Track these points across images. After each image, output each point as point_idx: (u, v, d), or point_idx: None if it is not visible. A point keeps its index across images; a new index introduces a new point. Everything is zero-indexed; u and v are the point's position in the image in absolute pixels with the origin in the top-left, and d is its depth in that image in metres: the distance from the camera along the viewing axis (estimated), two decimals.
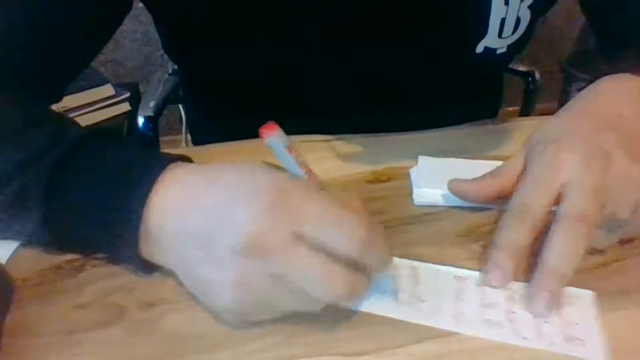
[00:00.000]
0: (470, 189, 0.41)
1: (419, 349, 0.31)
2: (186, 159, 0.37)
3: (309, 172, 0.32)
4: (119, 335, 0.32)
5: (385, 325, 0.33)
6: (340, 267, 0.29)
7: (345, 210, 0.30)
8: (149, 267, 0.35)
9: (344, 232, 0.29)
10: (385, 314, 0.33)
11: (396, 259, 0.37)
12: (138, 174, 0.34)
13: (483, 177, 0.41)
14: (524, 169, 0.39)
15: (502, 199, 0.39)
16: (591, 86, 0.45)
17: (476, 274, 0.36)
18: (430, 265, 0.37)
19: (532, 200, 0.36)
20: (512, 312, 0.33)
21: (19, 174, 0.35)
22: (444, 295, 0.35)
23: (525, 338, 0.32)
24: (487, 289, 0.35)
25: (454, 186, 0.41)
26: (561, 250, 0.33)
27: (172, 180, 0.33)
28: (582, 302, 0.34)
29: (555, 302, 0.33)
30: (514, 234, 0.35)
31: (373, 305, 0.34)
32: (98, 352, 0.31)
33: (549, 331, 0.32)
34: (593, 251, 0.34)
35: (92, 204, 0.34)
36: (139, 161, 0.35)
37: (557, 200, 0.35)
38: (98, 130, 0.37)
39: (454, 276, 0.36)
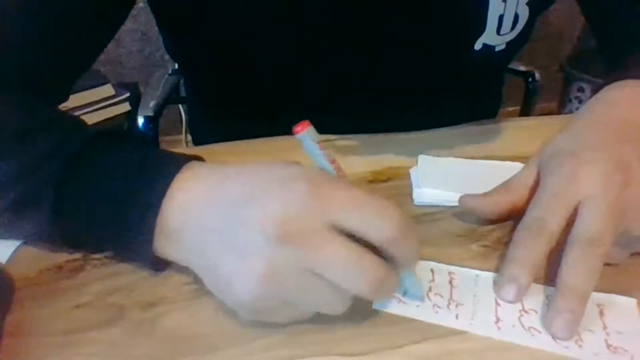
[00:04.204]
0: (482, 205, 0.40)
1: (419, 349, 0.31)
2: (199, 159, 0.36)
3: (338, 168, 0.32)
4: (119, 335, 0.32)
5: (385, 325, 0.33)
6: (372, 257, 0.29)
7: (380, 200, 0.29)
8: (159, 265, 0.35)
9: (377, 219, 0.29)
10: (422, 319, 0.33)
11: (433, 264, 0.37)
12: (154, 171, 0.34)
13: (494, 191, 0.41)
14: (537, 182, 0.39)
15: (514, 214, 0.39)
16: (601, 95, 0.44)
17: None
18: (469, 270, 0.36)
19: (550, 216, 0.35)
20: None
21: (30, 173, 0.35)
22: (482, 300, 0.34)
23: (567, 347, 0.31)
24: (527, 295, 0.34)
25: (464, 202, 0.41)
26: (578, 270, 0.33)
27: (192, 177, 0.33)
28: (625, 310, 0.33)
29: (577, 324, 0.31)
30: (530, 249, 0.35)
31: (409, 308, 0.33)
32: (98, 352, 0.31)
33: (592, 341, 0.31)
34: (604, 265, 0.33)
35: (107, 201, 0.34)
36: (154, 159, 0.35)
37: (574, 215, 0.35)
38: (107, 131, 0.37)
39: (494, 281, 0.35)
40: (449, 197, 0.43)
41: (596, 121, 0.42)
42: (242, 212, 0.30)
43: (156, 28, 0.58)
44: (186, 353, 0.31)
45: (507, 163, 0.48)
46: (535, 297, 0.34)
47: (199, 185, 0.33)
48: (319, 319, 0.33)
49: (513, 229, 0.40)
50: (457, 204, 0.43)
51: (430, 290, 0.35)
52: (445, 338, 0.32)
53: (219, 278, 0.31)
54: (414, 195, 0.44)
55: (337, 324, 0.32)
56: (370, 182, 0.47)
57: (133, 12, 0.51)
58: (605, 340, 0.31)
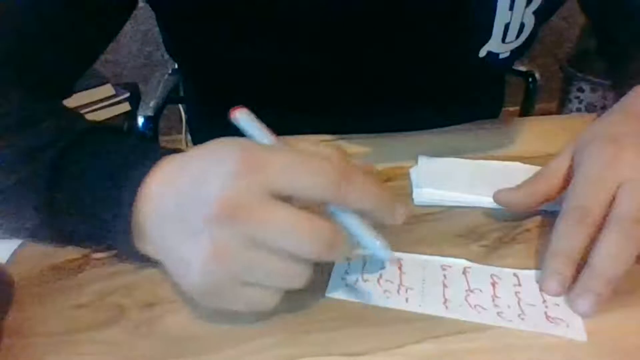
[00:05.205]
0: (518, 199, 0.40)
1: (418, 349, 0.31)
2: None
3: (280, 140, 0.32)
4: (119, 335, 0.32)
5: (385, 325, 0.33)
6: (317, 218, 0.28)
7: (315, 156, 0.29)
8: (145, 258, 0.35)
9: (315, 177, 0.28)
10: (373, 304, 0.34)
11: None
12: (134, 167, 0.34)
13: (529, 182, 0.41)
14: (571, 169, 0.39)
15: (549, 201, 0.40)
16: (633, 92, 0.44)
17: (461, 261, 0.37)
18: (417, 255, 0.38)
19: (591, 202, 0.35)
20: (497, 296, 0.34)
21: (22, 165, 0.35)
22: (431, 283, 0.35)
23: (510, 321, 0.32)
24: (472, 275, 0.36)
25: (499, 198, 0.40)
26: (612, 254, 0.33)
27: (158, 171, 0.33)
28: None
29: (601, 304, 0.32)
30: (574, 240, 0.34)
31: (361, 295, 0.34)
32: (98, 352, 0.31)
33: (532, 313, 0.33)
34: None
35: (89, 196, 0.34)
36: (138, 154, 0.35)
37: (614, 199, 0.35)
38: (104, 124, 0.38)
39: (440, 265, 0.37)
40: (449, 197, 0.43)
41: (632, 112, 0.42)
42: (188, 196, 0.30)
43: (156, 28, 0.58)
44: (186, 353, 0.31)
45: (507, 163, 0.48)
46: (481, 276, 0.36)
47: (160, 178, 0.33)
48: (319, 319, 0.33)
49: (514, 228, 0.40)
50: (457, 203, 0.43)
51: (380, 277, 0.36)
52: (445, 338, 0.32)
53: (176, 266, 0.31)
54: (414, 195, 0.44)
55: (337, 324, 0.32)
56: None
57: (133, 12, 0.51)
58: (545, 313, 0.33)
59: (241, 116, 0.33)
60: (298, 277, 0.30)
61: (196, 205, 0.29)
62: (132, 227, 0.33)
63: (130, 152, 0.35)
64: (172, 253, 0.31)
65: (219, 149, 0.31)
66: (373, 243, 0.31)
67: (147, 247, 0.34)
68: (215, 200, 0.28)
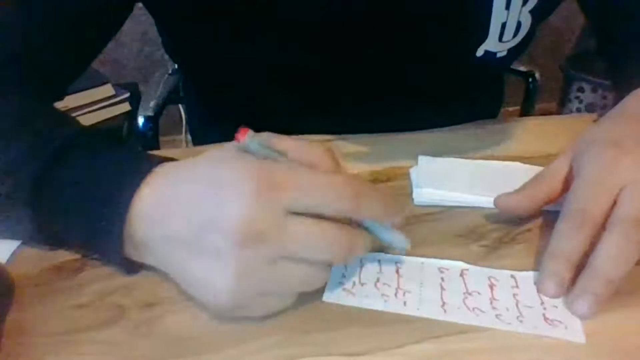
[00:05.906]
0: (518, 203, 0.40)
1: (418, 349, 0.31)
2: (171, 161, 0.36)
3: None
4: (119, 335, 0.32)
5: (385, 325, 0.33)
6: (334, 225, 0.30)
7: (328, 174, 0.31)
8: (133, 269, 0.35)
9: (329, 198, 0.30)
10: (372, 308, 0.34)
11: (382, 255, 0.38)
12: (123, 178, 0.33)
13: (528, 186, 0.40)
14: (570, 172, 0.39)
15: (549, 204, 0.40)
16: (632, 95, 0.45)
17: (459, 263, 0.37)
18: (414, 258, 0.37)
19: (591, 205, 0.35)
20: (495, 299, 0.34)
21: (10, 173, 0.35)
22: (428, 286, 0.35)
23: (509, 324, 0.32)
24: (470, 277, 0.36)
25: (499, 203, 0.40)
26: (613, 256, 0.32)
27: (151, 184, 0.33)
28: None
29: (600, 306, 0.32)
30: (574, 242, 0.34)
31: (358, 299, 0.34)
32: (98, 352, 0.31)
33: (531, 316, 0.33)
34: None
35: (79, 207, 0.34)
36: (125, 165, 0.35)
37: (615, 202, 0.35)
38: (88, 129, 0.37)
39: (438, 267, 0.37)
40: (449, 197, 0.43)
41: (633, 115, 0.42)
42: (201, 218, 0.30)
43: (156, 27, 0.58)
44: (185, 353, 0.31)
45: (507, 163, 0.48)
46: (478, 278, 0.36)
47: (154, 192, 0.32)
48: (319, 319, 0.33)
49: (514, 228, 0.40)
50: (457, 204, 0.43)
51: (378, 280, 0.36)
52: (445, 338, 0.32)
53: (193, 282, 0.31)
54: (414, 195, 0.44)
55: (337, 324, 0.32)
56: (370, 182, 0.47)
57: (133, 12, 0.51)
58: (543, 314, 0.33)
59: (251, 140, 0.31)
60: (318, 280, 0.32)
61: (214, 228, 0.29)
62: (125, 237, 0.33)
63: (119, 162, 0.35)
64: (189, 274, 0.31)
65: (231, 169, 0.30)
66: (391, 235, 0.34)
67: (148, 258, 0.34)
68: (237, 223, 0.28)
